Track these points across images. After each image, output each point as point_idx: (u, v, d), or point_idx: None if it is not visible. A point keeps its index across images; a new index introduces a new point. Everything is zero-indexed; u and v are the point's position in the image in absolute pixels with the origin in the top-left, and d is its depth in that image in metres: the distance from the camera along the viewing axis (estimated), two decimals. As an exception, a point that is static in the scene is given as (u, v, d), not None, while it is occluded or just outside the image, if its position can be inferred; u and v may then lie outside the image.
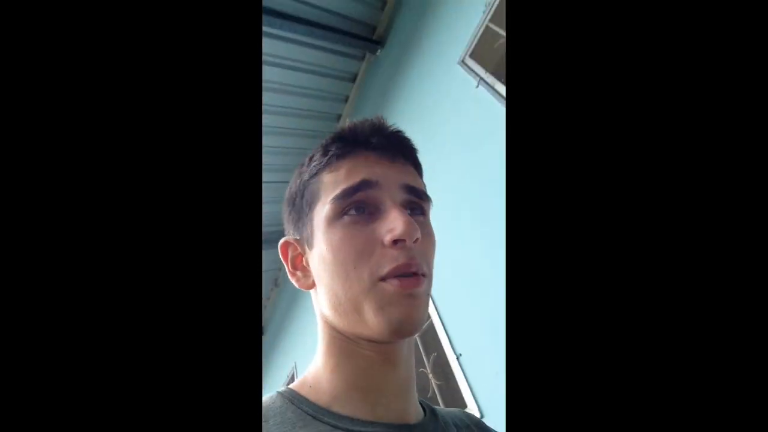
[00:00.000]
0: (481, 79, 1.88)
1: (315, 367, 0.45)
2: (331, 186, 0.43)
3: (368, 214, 0.42)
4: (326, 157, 0.45)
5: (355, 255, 0.40)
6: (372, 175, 0.43)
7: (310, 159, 0.47)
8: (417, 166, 0.49)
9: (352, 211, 0.41)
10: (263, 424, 0.38)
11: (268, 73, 2.14)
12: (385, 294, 0.39)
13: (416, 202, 0.45)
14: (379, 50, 2.58)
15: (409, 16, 2.50)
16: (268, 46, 2.07)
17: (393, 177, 0.44)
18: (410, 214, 0.42)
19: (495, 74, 1.84)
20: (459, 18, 2.10)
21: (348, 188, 0.42)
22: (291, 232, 0.49)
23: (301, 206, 0.47)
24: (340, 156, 0.45)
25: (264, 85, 2.07)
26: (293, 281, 0.48)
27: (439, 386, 1.59)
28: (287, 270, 0.48)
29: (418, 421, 0.45)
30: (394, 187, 0.43)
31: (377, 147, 0.45)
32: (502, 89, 1.75)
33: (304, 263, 0.47)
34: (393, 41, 2.58)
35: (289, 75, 2.28)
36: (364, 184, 0.42)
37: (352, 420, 0.40)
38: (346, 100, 2.56)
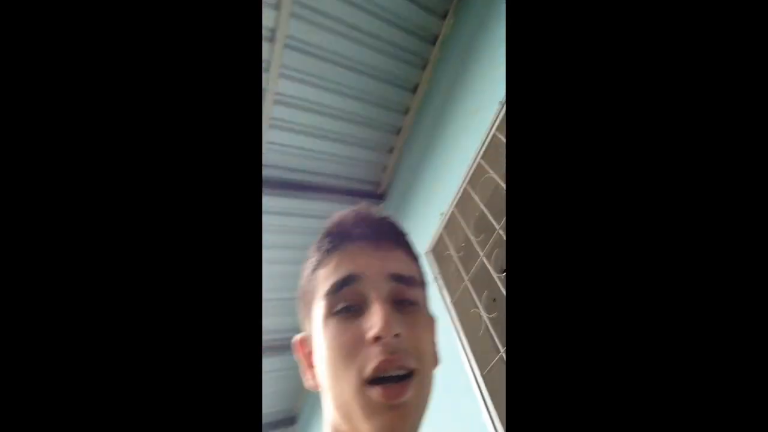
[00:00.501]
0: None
1: None
2: (323, 282, 0.44)
3: (356, 310, 0.42)
4: (319, 253, 0.47)
5: (344, 354, 0.40)
6: (355, 269, 0.43)
7: (314, 250, 0.48)
8: (407, 250, 0.49)
9: (342, 309, 0.42)
10: None
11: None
12: (370, 403, 0.38)
13: (406, 292, 0.44)
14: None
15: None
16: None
17: (377, 267, 0.43)
18: (401, 305, 0.42)
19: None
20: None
21: (334, 283, 0.43)
22: (305, 327, 0.50)
23: (306, 302, 0.48)
24: (330, 251, 0.46)
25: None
26: (305, 379, 0.48)
27: (491, 319, 1.52)
28: (301, 368, 0.49)
29: None
30: (380, 277, 0.43)
31: (362, 237, 0.46)
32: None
33: (314, 360, 0.46)
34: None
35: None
36: (348, 279, 0.42)
37: None
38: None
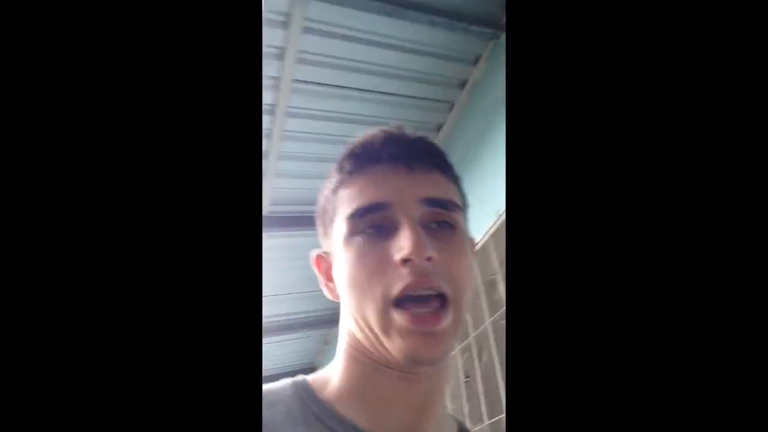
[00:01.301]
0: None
1: (332, 364, 0.45)
2: (346, 203, 0.42)
3: (385, 232, 0.40)
4: (341, 174, 0.44)
5: (369, 273, 0.39)
6: (383, 196, 0.41)
7: (337, 169, 0.46)
8: (446, 172, 0.45)
9: (368, 230, 0.40)
10: (270, 407, 0.38)
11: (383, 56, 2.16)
12: (395, 324, 0.37)
13: (442, 215, 0.41)
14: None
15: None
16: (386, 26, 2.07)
17: (409, 191, 0.41)
18: (436, 228, 0.41)
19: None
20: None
21: (360, 209, 0.41)
22: (323, 245, 0.49)
23: (324, 221, 0.47)
24: (353, 172, 0.43)
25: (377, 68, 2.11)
26: (326, 292, 0.48)
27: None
28: (321, 282, 0.48)
29: None
30: (411, 202, 0.40)
31: (392, 158, 0.43)
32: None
33: (334, 275, 0.46)
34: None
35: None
36: (376, 207, 0.40)
37: (354, 427, 0.39)
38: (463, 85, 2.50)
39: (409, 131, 0.46)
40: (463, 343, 1.93)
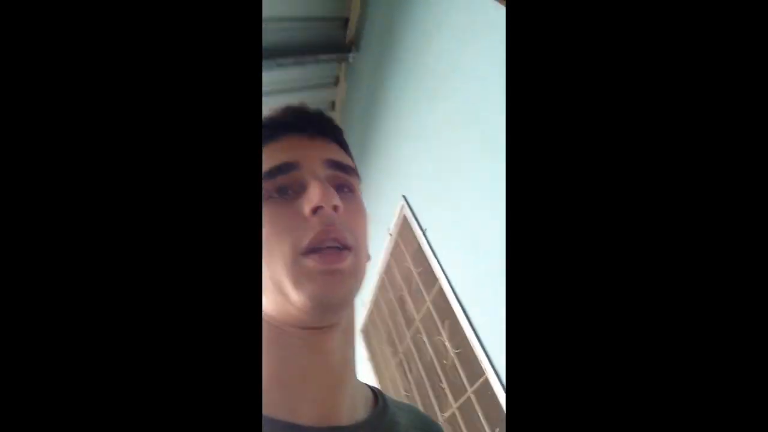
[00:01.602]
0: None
1: None
2: (266, 161, 0.43)
3: (292, 193, 0.41)
4: (264, 134, 0.44)
5: (278, 231, 0.39)
6: (292, 157, 0.42)
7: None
8: (342, 145, 0.48)
9: (275, 194, 0.40)
10: None
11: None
12: (304, 270, 0.37)
13: (342, 178, 0.43)
14: None
15: None
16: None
17: (314, 154, 0.43)
18: (338, 188, 0.42)
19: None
20: None
21: (268, 171, 0.41)
22: None
23: None
24: (266, 139, 0.44)
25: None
26: None
27: (458, 354, 1.60)
28: None
29: (353, 422, 0.42)
30: (317, 163, 0.42)
31: (298, 128, 0.44)
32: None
33: None
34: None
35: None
36: (284, 167, 0.41)
37: (271, 421, 0.37)
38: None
39: (310, 106, 0.47)
40: (396, 359, 2.03)
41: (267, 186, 0.40)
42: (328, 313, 0.39)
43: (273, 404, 0.38)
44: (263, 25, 1.86)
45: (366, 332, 2.20)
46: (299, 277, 0.37)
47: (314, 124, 0.45)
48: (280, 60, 1.94)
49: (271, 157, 0.42)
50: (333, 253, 0.38)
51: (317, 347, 0.41)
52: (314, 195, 0.39)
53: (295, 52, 1.97)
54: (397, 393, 1.99)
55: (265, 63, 1.90)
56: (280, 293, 0.39)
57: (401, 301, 1.91)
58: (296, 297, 0.37)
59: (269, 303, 0.40)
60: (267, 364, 0.39)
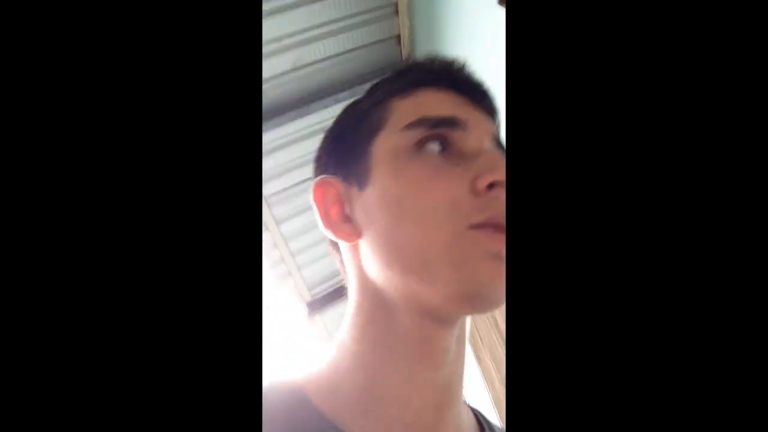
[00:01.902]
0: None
1: (336, 354, 0.36)
2: (406, 112, 0.35)
3: (453, 155, 0.34)
4: (401, 82, 0.37)
5: (439, 196, 0.32)
6: (460, 113, 0.35)
7: (374, 88, 0.39)
8: (495, 117, 0.40)
9: (434, 145, 0.34)
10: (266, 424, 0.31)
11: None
12: (474, 246, 0.31)
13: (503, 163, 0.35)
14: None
15: None
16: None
17: (483, 124, 0.36)
18: None
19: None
20: None
21: (432, 117, 0.34)
22: (331, 172, 0.39)
23: (354, 138, 0.37)
24: (420, 83, 0.37)
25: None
26: (329, 232, 0.38)
27: None
28: (320, 218, 0.38)
29: None
30: (484, 133, 0.36)
31: (463, 87, 0.37)
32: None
33: (346, 211, 0.37)
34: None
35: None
36: (452, 121, 0.34)
37: None
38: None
39: (470, 70, 0.40)
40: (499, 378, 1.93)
41: (425, 133, 0.34)
42: (479, 307, 0.32)
43: (365, 423, 0.32)
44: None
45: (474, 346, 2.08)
46: (466, 254, 0.31)
47: (479, 93, 0.38)
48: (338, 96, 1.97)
49: (435, 104, 0.35)
50: (502, 237, 0.31)
51: (432, 352, 0.34)
52: (490, 168, 0.32)
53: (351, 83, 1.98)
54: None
55: (321, 102, 1.94)
56: (421, 268, 0.32)
57: (494, 320, 1.82)
58: (450, 277, 0.31)
59: (393, 278, 0.33)
60: (369, 369, 0.33)
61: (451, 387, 0.36)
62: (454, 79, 0.38)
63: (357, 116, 0.39)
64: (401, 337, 0.34)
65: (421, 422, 0.34)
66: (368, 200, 0.35)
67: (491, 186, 0.32)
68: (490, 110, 0.39)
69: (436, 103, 0.35)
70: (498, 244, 0.31)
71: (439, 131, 0.34)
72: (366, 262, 0.36)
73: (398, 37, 2.01)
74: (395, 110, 0.36)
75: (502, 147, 0.37)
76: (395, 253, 0.33)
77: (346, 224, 0.37)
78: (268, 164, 1.97)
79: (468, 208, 0.32)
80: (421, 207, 0.32)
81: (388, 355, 0.34)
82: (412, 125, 0.34)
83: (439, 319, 0.34)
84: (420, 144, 0.34)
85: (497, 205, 0.31)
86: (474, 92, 0.38)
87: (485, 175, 0.32)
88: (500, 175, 0.31)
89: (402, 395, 0.33)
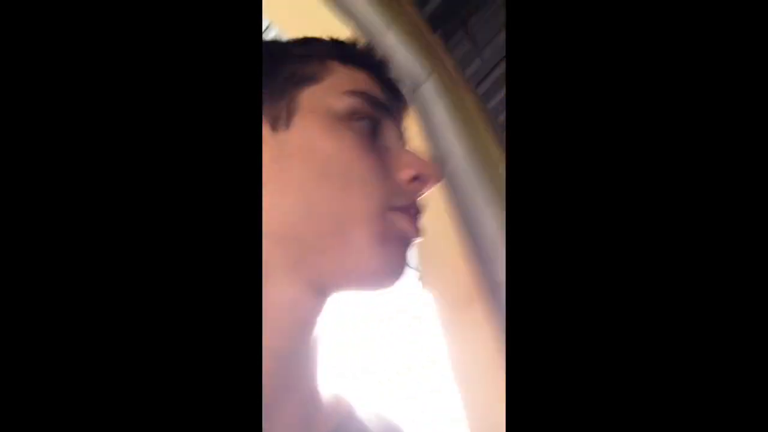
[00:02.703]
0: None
1: None
2: (348, 79, 0.35)
3: (379, 141, 0.35)
4: (345, 51, 0.38)
5: (369, 169, 0.33)
6: (394, 105, 0.37)
7: (309, 40, 0.39)
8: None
9: (367, 123, 0.34)
10: None
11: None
12: (392, 225, 0.32)
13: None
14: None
15: None
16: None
17: (404, 118, 0.39)
18: None
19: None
20: None
21: (375, 97, 0.35)
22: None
23: (278, 77, 0.35)
24: (362, 63, 0.37)
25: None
26: None
27: None
28: None
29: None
30: (405, 130, 0.38)
31: (392, 88, 0.39)
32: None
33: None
34: None
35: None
36: (388, 108, 0.36)
37: None
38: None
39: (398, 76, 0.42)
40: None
41: (365, 108, 0.34)
42: (387, 284, 0.33)
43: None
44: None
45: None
46: (386, 234, 0.32)
47: (402, 97, 0.40)
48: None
49: (369, 84, 0.36)
50: (416, 226, 0.34)
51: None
52: (415, 161, 0.35)
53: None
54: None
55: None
56: (339, 239, 0.32)
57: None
58: (367, 253, 0.31)
59: (304, 242, 0.32)
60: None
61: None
62: (389, 77, 0.39)
63: (288, 58, 0.37)
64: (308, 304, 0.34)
65: None
66: (285, 145, 0.33)
67: (413, 180, 0.34)
68: (404, 114, 0.41)
69: (376, 87, 0.36)
70: (412, 232, 0.33)
71: (375, 113, 0.35)
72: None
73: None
74: (335, 72, 0.36)
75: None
76: (307, 209, 0.32)
77: None
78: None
79: (392, 190, 0.33)
80: (349, 173, 0.32)
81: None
82: (354, 93, 0.34)
83: (321, 292, 0.34)
84: (354, 115, 0.34)
85: (416, 195, 0.34)
86: (398, 95, 0.40)
87: (409, 167, 0.34)
88: (423, 169, 0.34)
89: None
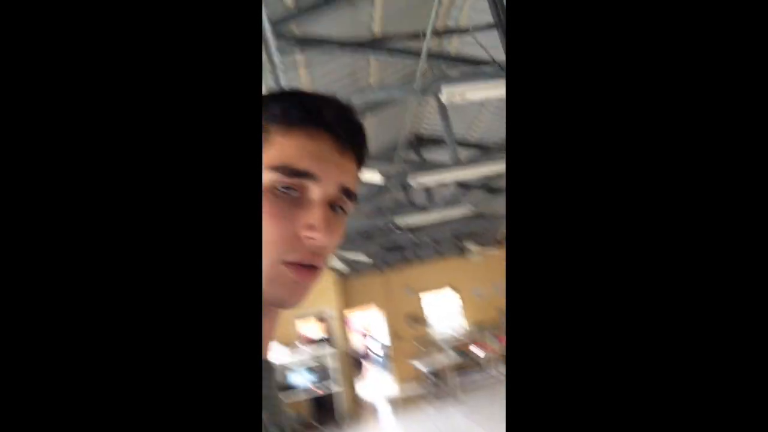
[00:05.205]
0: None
1: None
2: (275, 151, 0.42)
3: (296, 197, 0.42)
4: (281, 114, 0.43)
5: (272, 233, 0.40)
6: (317, 169, 0.42)
7: (269, 107, 0.44)
8: (361, 161, 0.48)
9: (283, 189, 0.41)
10: None
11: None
12: (281, 276, 0.41)
13: (344, 202, 0.45)
14: None
15: None
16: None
17: (335, 175, 0.43)
18: (332, 208, 0.43)
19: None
20: None
21: (292, 169, 0.41)
22: None
23: None
24: (294, 122, 0.42)
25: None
26: None
27: None
28: None
29: None
30: (333, 185, 0.43)
31: (334, 130, 0.43)
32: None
33: None
34: None
35: None
36: (307, 174, 0.41)
37: None
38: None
39: (343, 100, 0.46)
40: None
41: (281, 180, 0.41)
42: (283, 308, 0.44)
43: None
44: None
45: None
46: (274, 280, 0.41)
47: (351, 134, 0.45)
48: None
49: (298, 152, 0.42)
50: (306, 271, 0.42)
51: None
52: (318, 221, 0.41)
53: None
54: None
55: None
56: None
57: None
58: (265, 287, 0.40)
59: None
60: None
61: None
62: (328, 122, 0.43)
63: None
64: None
65: None
66: None
67: (310, 238, 0.41)
68: (359, 152, 0.46)
69: (301, 150, 0.42)
70: (299, 278, 0.41)
71: (294, 181, 0.41)
72: None
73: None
74: (272, 144, 0.42)
75: (349, 193, 0.45)
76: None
77: None
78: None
79: (287, 244, 0.41)
80: (264, 235, 0.40)
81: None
82: (275, 169, 0.41)
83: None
84: (276, 184, 0.41)
85: (306, 252, 0.41)
86: (343, 137, 0.44)
87: (307, 227, 0.41)
88: (321, 230, 0.41)
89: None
